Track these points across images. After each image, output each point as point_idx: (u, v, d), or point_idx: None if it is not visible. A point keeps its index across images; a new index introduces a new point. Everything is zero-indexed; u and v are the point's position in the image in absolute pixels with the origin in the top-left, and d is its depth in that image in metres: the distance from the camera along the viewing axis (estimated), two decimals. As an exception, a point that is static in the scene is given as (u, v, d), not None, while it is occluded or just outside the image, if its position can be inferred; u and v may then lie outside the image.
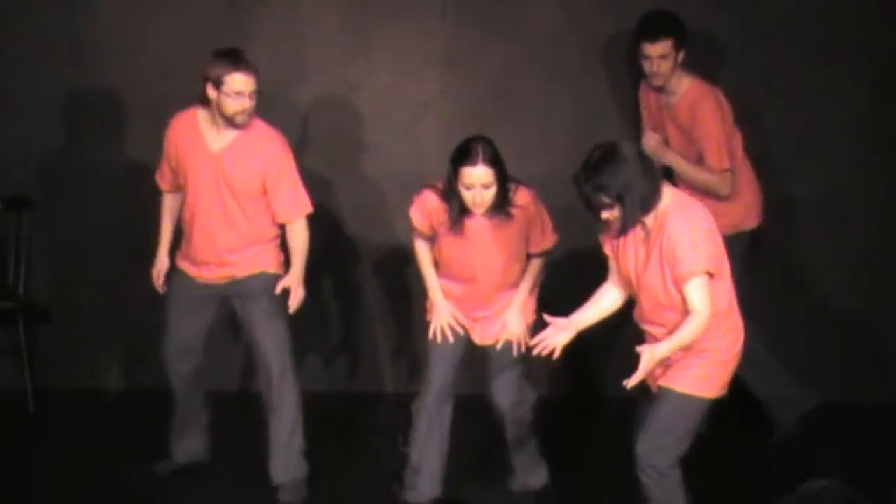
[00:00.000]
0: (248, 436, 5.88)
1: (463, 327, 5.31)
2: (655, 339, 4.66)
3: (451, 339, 5.26)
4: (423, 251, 5.31)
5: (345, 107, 6.57)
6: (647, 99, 6.11)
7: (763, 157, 6.20)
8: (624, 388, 4.64)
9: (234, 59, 5.27)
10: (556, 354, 4.72)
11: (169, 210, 5.59)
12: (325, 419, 6.24)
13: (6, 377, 6.63)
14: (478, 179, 5.00)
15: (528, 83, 6.52)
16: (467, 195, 5.03)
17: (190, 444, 5.72)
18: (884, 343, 6.60)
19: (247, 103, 5.27)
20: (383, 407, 6.51)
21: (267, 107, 6.45)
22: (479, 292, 5.26)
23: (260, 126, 5.39)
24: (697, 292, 4.53)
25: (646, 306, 4.68)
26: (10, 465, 5.86)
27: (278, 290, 5.36)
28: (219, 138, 5.35)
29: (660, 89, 5.94)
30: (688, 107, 5.86)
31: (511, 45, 6.50)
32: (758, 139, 6.20)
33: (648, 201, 4.55)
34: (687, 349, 4.62)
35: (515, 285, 5.28)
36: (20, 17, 6.48)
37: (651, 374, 4.69)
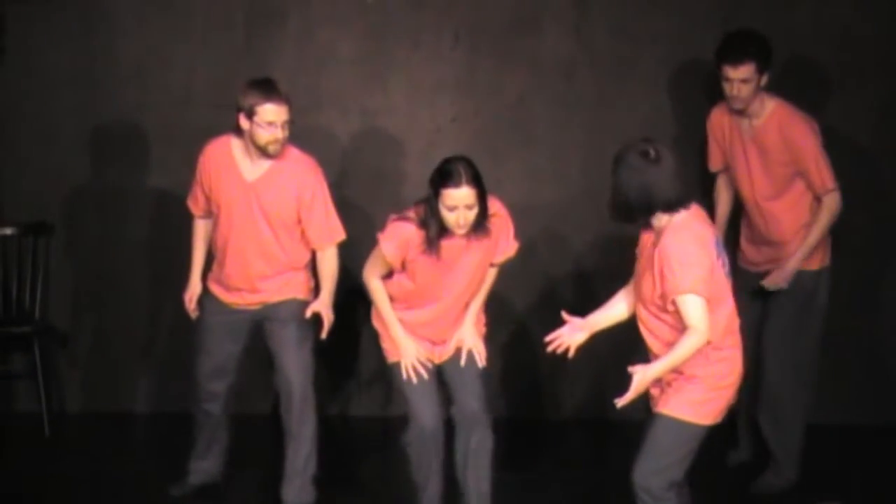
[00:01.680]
0: (268, 459, 5.89)
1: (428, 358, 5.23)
2: (653, 354, 4.66)
3: (424, 375, 5.18)
4: (381, 289, 5.16)
5: (360, 133, 6.61)
6: (719, 122, 5.83)
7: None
8: (632, 412, 4.65)
9: (267, 89, 5.25)
10: (571, 353, 4.71)
11: (201, 235, 5.56)
12: (358, 442, 6.25)
13: (24, 400, 6.67)
14: (461, 201, 4.91)
15: (540, 109, 6.56)
16: (450, 216, 4.94)
17: (209, 465, 5.72)
18: (891, 364, 6.61)
19: (279, 134, 5.24)
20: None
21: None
22: (448, 312, 5.16)
23: (294, 154, 5.37)
24: (692, 309, 4.51)
25: (641, 317, 4.69)
26: (25, 488, 5.87)
27: (308, 314, 5.38)
28: (253, 168, 5.34)
29: (740, 112, 5.69)
30: (777, 129, 5.63)
31: (524, 72, 6.55)
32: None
33: (630, 212, 4.55)
34: (679, 372, 4.62)
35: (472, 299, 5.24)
36: (41, 44, 6.55)
37: (654, 398, 4.72)
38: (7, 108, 6.59)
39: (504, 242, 5.16)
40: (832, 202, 5.65)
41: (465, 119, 6.60)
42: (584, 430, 6.60)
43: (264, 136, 5.24)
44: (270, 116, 5.21)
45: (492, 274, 5.23)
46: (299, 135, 6.47)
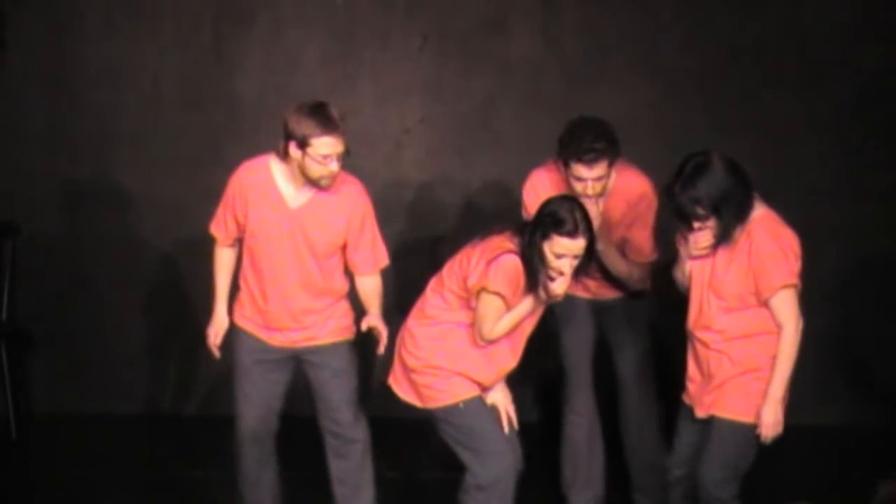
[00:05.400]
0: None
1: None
2: (706, 347, 4.67)
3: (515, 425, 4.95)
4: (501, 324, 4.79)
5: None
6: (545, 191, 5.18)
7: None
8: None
9: (324, 119, 4.77)
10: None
11: (226, 266, 5.08)
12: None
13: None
14: (572, 251, 4.66)
15: (508, 111, 6.58)
16: (554, 262, 4.68)
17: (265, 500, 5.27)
18: (858, 364, 6.66)
19: (334, 167, 4.80)
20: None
21: (252, 135, 6.55)
22: (513, 360, 4.92)
23: (340, 177, 4.90)
24: (786, 304, 4.57)
25: (709, 310, 4.66)
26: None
27: (364, 327, 5.03)
28: (298, 194, 4.90)
29: None
30: (635, 201, 5.27)
31: (491, 73, 6.56)
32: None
33: (744, 211, 4.59)
34: (737, 365, 4.62)
35: None
36: (10, 46, 6.52)
37: (699, 399, 4.71)
38: (-26, 110, 6.57)
39: None
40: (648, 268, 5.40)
41: (433, 120, 6.61)
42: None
43: (318, 169, 4.80)
44: (326, 150, 4.77)
45: None
46: (267, 136, 6.49)
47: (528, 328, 4.91)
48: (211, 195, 6.52)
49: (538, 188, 5.28)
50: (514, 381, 5.07)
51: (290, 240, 4.91)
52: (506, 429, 4.96)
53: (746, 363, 4.62)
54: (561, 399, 5.55)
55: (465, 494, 4.89)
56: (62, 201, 6.62)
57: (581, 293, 5.42)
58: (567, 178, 5.16)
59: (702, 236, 4.61)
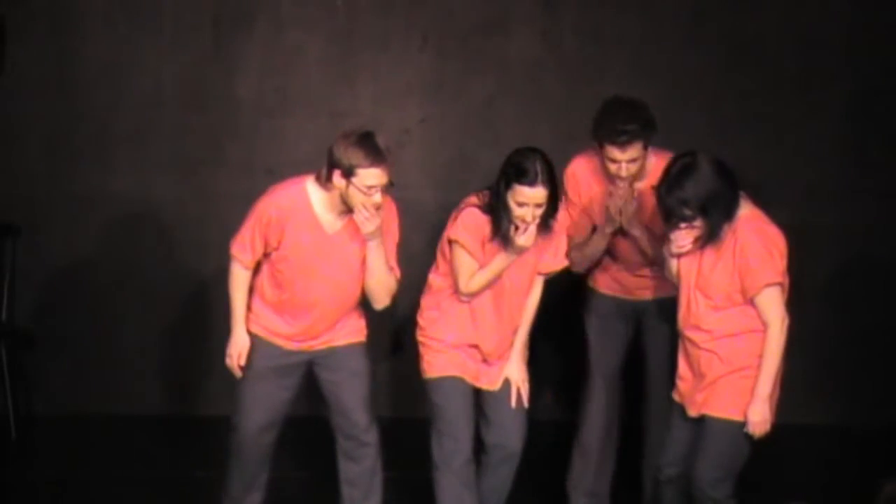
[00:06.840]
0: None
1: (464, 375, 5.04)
2: (696, 346, 4.69)
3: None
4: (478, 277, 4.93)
5: (328, 135, 6.57)
6: (586, 184, 5.29)
7: (741, 183, 6.25)
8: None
9: (372, 151, 4.77)
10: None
11: (244, 286, 5.01)
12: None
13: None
14: (533, 199, 4.79)
15: (507, 111, 6.59)
16: (517, 211, 4.81)
17: (254, 499, 5.25)
18: (856, 364, 6.66)
19: (377, 199, 4.80)
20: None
21: (252, 135, 6.56)
22: (509, 321, 5.01)
23: None
24: (772, 302, 4.58)
25: (696, 309, 4.68)
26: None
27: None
28: (335, 221, 4.92)
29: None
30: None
31: (491, 74, 6.57)
32: (736, 165, 6.26)
33: (731, 210, 4.62)
34: (727, 363, 4.64)
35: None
36: (7, 44, 6.52)
37: (691, 399, 4.72)
38: (-26, 111, 6.57)
39: (552, 250, 5.02)
40: None
41: (433, 121, 6.62)
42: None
43: (361, 199, 4.79)
44: (372, 181, 4.77)
45: (538, 290, 5.08)
46: (267, 136, 6.54)
47: (515, 294, 4.99)
48: (211, 195, 6.58)
49: (578, 175, 5.36)
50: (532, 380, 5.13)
51: (325, 265, 4.92)
52: (513, 403, 5.05)
53: (737, 361, 4.65)
54: (582, 398, 5.50)
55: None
56: (62, 201, 6.62)
57: (620, 293, 5.42)
58: (604, 162, 5.19)
59: (682, 235, 4.66)
